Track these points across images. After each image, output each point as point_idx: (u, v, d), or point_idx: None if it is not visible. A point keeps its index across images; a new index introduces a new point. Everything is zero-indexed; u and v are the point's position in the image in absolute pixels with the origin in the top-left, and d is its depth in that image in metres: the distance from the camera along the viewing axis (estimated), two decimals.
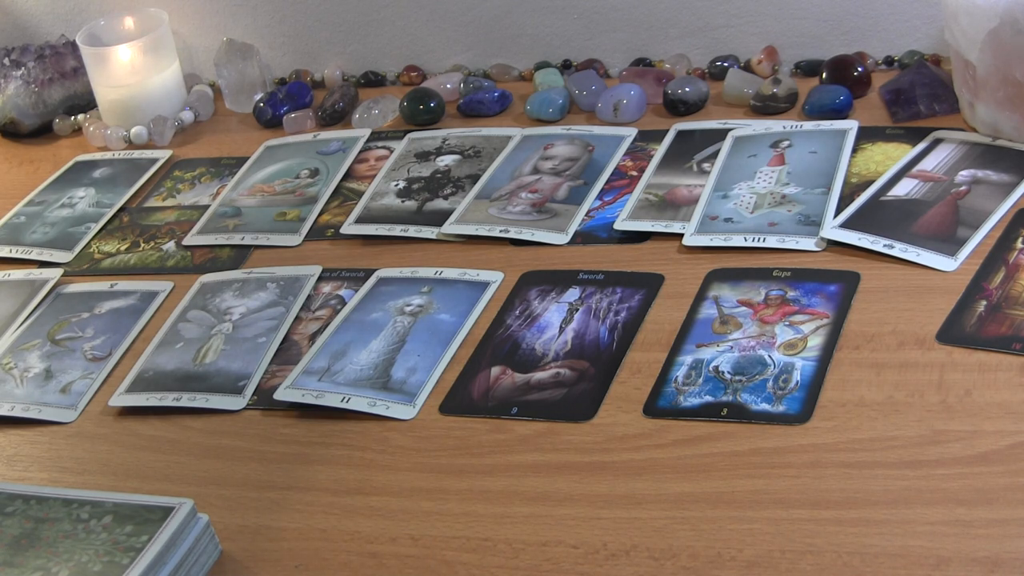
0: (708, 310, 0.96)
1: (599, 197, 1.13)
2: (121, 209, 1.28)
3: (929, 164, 1.07)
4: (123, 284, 1.16)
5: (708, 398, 0.88)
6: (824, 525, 0.77)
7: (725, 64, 1.29)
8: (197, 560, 0.82)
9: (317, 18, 1.43)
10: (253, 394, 0.99)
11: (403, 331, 1.01)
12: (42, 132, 1.46)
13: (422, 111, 1.32)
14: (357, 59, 1.44)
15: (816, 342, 0.91)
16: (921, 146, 1.10)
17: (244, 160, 1.31)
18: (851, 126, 1.14)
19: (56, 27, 1.53)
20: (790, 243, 1.01)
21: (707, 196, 1.09)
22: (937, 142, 1.10)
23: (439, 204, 1.17)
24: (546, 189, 1.15)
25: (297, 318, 1.06)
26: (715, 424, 0.86)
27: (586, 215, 1.11)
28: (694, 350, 0.93)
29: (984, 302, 0.91)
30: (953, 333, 0.89)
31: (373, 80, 1.43)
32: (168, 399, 0.99)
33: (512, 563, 0.79)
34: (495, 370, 0.95)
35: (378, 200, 1.19)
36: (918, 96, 1.15)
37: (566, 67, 1.36)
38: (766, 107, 1.21)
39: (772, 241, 1.02)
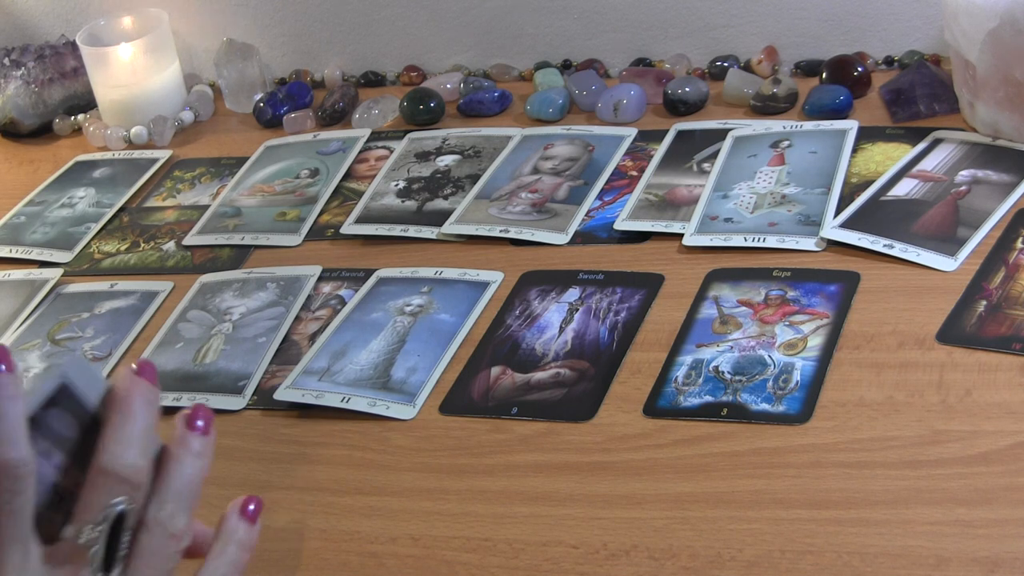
0: (708, 310, 0.96)
1: (599, 197, 1.13)
2: (121, 209, 1.28)
3: (929, 164, 1.07)
4: (123, 284, 1.16)
5: (708, 398, 0.88)
6: (824, 525, 0.77)
7: (725, 64, 1.29)
8: None
9: (317, 18, 1.43)
10: (253, 394, 0.99)
11: (403, 331, 1.01)
12: (42, 132, 1.46)
13: (422, 111, 1.32)
14: (357, 59, 1.44)
15: (816, 342, 0.91)
16: (921, 146, 1.10)
17: (244, 160, 1.31)
18: (851, 126, 1.14)
19: (56, 27, 1.53)
20: (790, 243, 1.01)
21: (707, 196, 1.09)
22: (937, 142, 1.10)
23: (439, 204, 1.17)
24: (546, 189, 1.15)
25: (297, 318, 1.06)
26: (715, 424, 0.86)
27: (586, 215, 1.11)
28: (694, 350, 0.93)
29: (984, 302, 0.91)
30: (953, 333, 0.89)
31: (373, 80, 1.43)
32: (168, 399, 0.99)
33: (512, 563, 0.79)
34: (495, 370, 0.95)
35: (378, 200, 1.19)
36: (918, 96, 1.15)
37: (566, 67, 1.36)
38: (766, 107, 1.21)
39: (772, 241, 1.02)
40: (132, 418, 0.62)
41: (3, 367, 0.60)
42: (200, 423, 0.65)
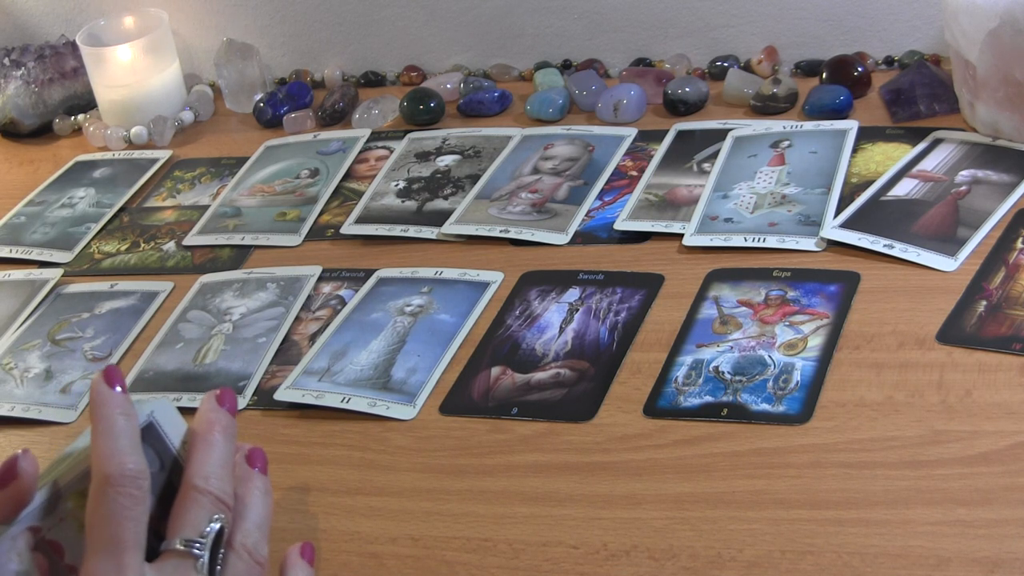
0: (708, 310, 0.96)
1: (599, 197, 1.13)
2: (121, 209, 1.28)
3: (929, 164, 1.07)
4: (123, 284, 1.16)
5: (708, 398, 0.88)
6: (824, 525, 0.77)
7: (725, 64, 1.29)
8: None
9: (317, 18, 1.43)
10: (253, 394, 0.99)
11: (403, 331, 1.01)
12: (42, 132, 1.46)
13: (422, 111, 1.32)
14: (357, 59, 1.44)
15: (816, 342, 0.91)
16: (921, 146, 1.10)
17: (244, 160, 1.31)
18: (851, 126, 1.14)
19: (56, 27, 1.53)
20: (790, 243, 1.01)
21: (707, 196, 1.09)
22: (937, 142, 1.10)
23: (439, 204, 1.17)
24: (546, 189, 1.15)
25: (297, 318, 1.06)
26: (715, 424, 0.86)
27: (586, 215, 1.11)
28: (694, 350, 0.93)
29: (984, 302, 0.91)
30: (953, 333, 0.89)
31: (373, 80, 1.43)
32: (168, 399, 0.99)
33: (512, 563, 0.79)
34: (495, 370, 0.95)
35: (378, 200, 1.19)
36: (918, 96, 1.15)
37: (566, 67, 1.36)
38: (766, 107, 1.21)
39: (772, 241, 1.02)
40: (215, 447, 0.68)
41: (118, 388, 0.66)
42: (258, 464, 0.72)
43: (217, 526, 0.66)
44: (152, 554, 0.65)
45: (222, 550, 0.67)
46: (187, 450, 0.69)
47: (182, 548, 0.65)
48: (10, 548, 0.64)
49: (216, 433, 0.70)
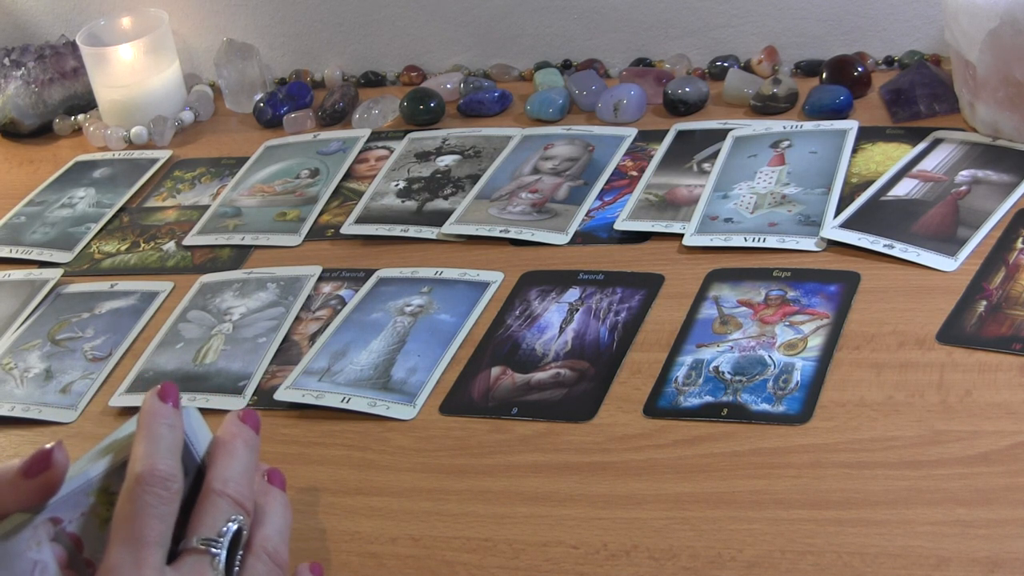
0: (708, 310, 0.96)
1: (599, 197, 1.13)
2: (121, 209, 1.28)
3: (929, 164, 1.07)
4: (123, 284, 1.16)
5: (708, 398, 0.88)
6: (824, 525, 0.77)
7: (725, 64, 1.29)
8: None
9: (317, 18, 1.43)
10: (253, 394, 0.99)
11: (403, 331, 1.01)
12: (42, 132, 1.46)
13: (422, 111, 1.32)
14: (357, 59, 1.44)
15: (816, 342, 0.91)
16: (921, 146, 1.10)
17: (244, 160, 1.31)
18: (851, 126, 1.14)
19: (56, 27, 1.53)
20: (790, 243, 1.01)
21: (707, 196, 1.09)
22: (937, 142, 1.10)
23: (439, 204, 1.17)
24: (546, 189, 1.15)
25: (297, 318, 1.06)
26: (715, 424, 0.86)
27: (586, 215, 1.11)
28: (694, 350, 0.93)
29: (984, 302, 0.91)
30: (953, 333, 0.89)
31: (373, 80, 1.43)
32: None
33: (512, 563, 0.79)
34: (495, 370, 0.95)
35: (378, 200, 1.19)
36: (918, 96, 1.15)
37: (566, 67, 1.36)
38: (766, 107, 1.21)
39: (772, 241, 1.02)
40: (237, 456, 0.71)
41: (171, 402, 0.70)
42: (277, 483, 0.76)
43: (234, 526, 0.68)
44: (173, 558, 0.66)
45: (240, 552, 0.68)
46: (209, 458, 0.70)
47: (200, 546, 0.66)
48: (31, 536, 0.65)
49: (238, 443, 0.72)
